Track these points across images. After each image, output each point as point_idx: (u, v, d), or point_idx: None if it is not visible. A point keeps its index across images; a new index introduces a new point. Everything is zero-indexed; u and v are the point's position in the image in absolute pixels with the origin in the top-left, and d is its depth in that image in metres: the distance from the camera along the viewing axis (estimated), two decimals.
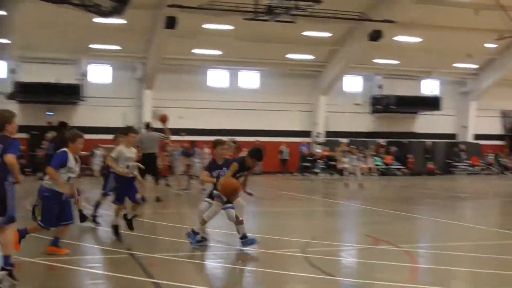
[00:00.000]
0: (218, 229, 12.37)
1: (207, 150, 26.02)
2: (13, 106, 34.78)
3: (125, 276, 8.18)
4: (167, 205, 18.28)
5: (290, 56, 37.81)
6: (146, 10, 30.82)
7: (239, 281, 8.42)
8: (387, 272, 8.66)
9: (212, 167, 10.59)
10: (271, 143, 37.91)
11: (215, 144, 10.69)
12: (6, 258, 7.43)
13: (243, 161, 10.15)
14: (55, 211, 9.09)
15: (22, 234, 8.87)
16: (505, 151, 43.42)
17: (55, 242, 9.46)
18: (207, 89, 38.34)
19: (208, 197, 10.37)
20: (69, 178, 9.26)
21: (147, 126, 19.45)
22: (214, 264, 9.39)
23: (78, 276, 8.48)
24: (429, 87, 41.74)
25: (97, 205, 12.95)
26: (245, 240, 9.91)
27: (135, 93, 37.32)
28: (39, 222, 9.07)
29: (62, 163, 9.17)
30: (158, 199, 18.12)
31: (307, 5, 27.77)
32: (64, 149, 9.37)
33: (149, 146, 17.83)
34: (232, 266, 9.34)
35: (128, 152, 11.27)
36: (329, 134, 39.92)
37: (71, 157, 9.29)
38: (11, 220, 7.56)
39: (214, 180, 10.24)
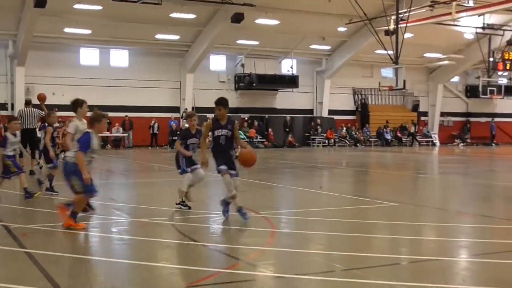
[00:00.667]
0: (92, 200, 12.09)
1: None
2: None
3: None
4: None
5: (159, 36, 37.33)
6: None
7: (110, 249, 8.20)
8: (249, 237, 8.74)
9: (186, 136, 11.00)
10: (142, 118, 37.59)
11: (188, 116, 11.26)
12: None
13: (214, 117, 10.05)
14: None
15: None
16: (357, 125, 45.36)
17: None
18: (79, 67, 37.23)
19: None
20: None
21: (28, 102, 19.59)
22: (87, 233, 9.10)
23: None
24: (288, 66, 42.58)
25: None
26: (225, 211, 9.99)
27: (7, 69, 35.64)
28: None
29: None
30: (32, 173, 17.61)
31: None
32: (88, 129, 9.02)
33: (29, 122, 18.42)
34: (104, 234, 9.09)
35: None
36: (196, 109, 39.90)
37: (94, 138, 8.92)
38: None
39: (190, 153, 10.80)
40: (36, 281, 6.05)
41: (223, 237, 9.10)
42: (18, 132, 12.44)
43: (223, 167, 9.66)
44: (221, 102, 9.78)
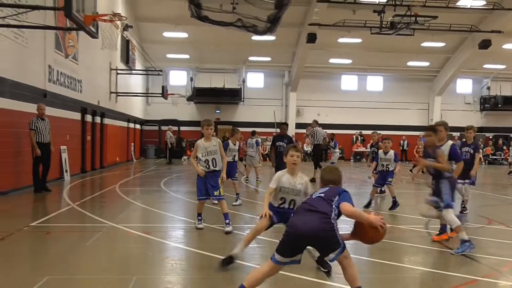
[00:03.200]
0: None
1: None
2: (191, 106, 36.33)
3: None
4: None
5: (410, 63, 36.39)
6: (292, 28, 30.75)
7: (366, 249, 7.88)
8: (500, 249, 7.82)
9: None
10: (393, 136, 36.67)
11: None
12: None
13: None
14: None
15: None
16: None
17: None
18: (340, 92, 37.86)
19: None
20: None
21: (317, 122, 19.98)
22: None
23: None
24: None
25: None
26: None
27: (282, 95, 37.54)
28: None
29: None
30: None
31: (425, 20, 26.49)
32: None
33: (319, 138, 19.12)
34: None
35: None
36: None
37: None
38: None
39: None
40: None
41: (476, 247, 8.19)
42: (237, 142, 12.39)
43: None
44: None
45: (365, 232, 4.73)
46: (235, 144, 12.33)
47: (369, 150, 32.98)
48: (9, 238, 7.77)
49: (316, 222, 4.56)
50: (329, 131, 31.83)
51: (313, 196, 4.90)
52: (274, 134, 26.84)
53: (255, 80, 37.58)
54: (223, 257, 6.24)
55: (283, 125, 14.57)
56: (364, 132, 35.74)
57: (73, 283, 5.55)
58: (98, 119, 22.90)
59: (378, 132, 15.85)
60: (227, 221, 8.54)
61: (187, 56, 35.26)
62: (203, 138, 8.55)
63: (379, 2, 26.44)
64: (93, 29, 12.07)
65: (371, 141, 14.49)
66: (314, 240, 4.60)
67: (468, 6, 28.38)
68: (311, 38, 30.01)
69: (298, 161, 5.76)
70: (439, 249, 7.63)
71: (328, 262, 4.76)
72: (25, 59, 14.27)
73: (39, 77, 15.29)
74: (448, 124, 8.62)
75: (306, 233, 4.54)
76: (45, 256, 6.68)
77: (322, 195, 4.80)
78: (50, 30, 15.44)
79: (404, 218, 10.36)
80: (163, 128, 34.27)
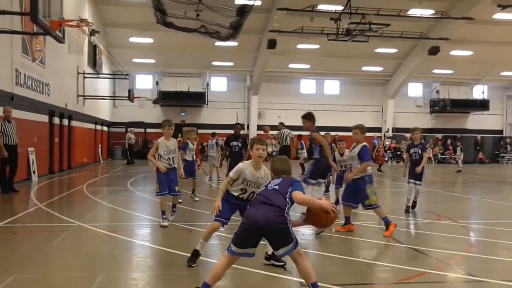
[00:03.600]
0: None
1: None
2: (157, 109, 35.99)
3: None
4: None
5: (364, 68, 36.91)
6: (253, 34, 30.81)
7: (326, 244, 7.96)
8: (449, 243, 7.99)
9: None
10: (350, 137, 37.16)
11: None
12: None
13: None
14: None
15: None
16: None
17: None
18: (299, 95, 38.12)
19: None
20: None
21: (283, 124, 19.71)
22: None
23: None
24: (479, 92, 39.67)
25: None
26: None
27: (245, 98, 37.58)
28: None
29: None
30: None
31: (378, 27, 26.91)
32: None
33: (286, 139, 18.17)
34: (331, 234, 8.87)
35: None
36: (396, 130, 38.78)
37: None
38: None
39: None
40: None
41: (420, 240, 8.37)
42: (194, 142, 12.61)
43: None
44: None
45: (317, 217, 4.72)
46: (193, 144, 12.53)
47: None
48: None
49: (270, 214, 4.53)
50: (294, 133, 32.13)
51: (268, 188, 4.83)
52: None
53: (218, 84, 37.52)
54: (189, 255, 6.18)
55: (237, 125, 14.47)
56: (322, 133, 36.02)
57: (39, 282, 5.43)
58: (65, 122, 22.47)
59: (332, 133, 16.01)
60: (174, 209, 9.26)
61: (152, 61, 34.95)
62: (163, 137, 8.80)
63: (335, 10, 26.72)
64: (59, 34, 11.85)
65: None
66: (269, 232, 4.56)
67: (418, 15, 28.97)
68: (272, 44, 30.13)
69: (263, 154, 5.47)
70: (390, 244, 7.77)
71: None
72: None
73: (6, 80, 14.91)
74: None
75: (263, 224, 4.50)
76: (11, 256, 6.52)
77: (277, 187, 4.74)
78: (16, 34, 15.07)
79: (358, 215, 10.47)
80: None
